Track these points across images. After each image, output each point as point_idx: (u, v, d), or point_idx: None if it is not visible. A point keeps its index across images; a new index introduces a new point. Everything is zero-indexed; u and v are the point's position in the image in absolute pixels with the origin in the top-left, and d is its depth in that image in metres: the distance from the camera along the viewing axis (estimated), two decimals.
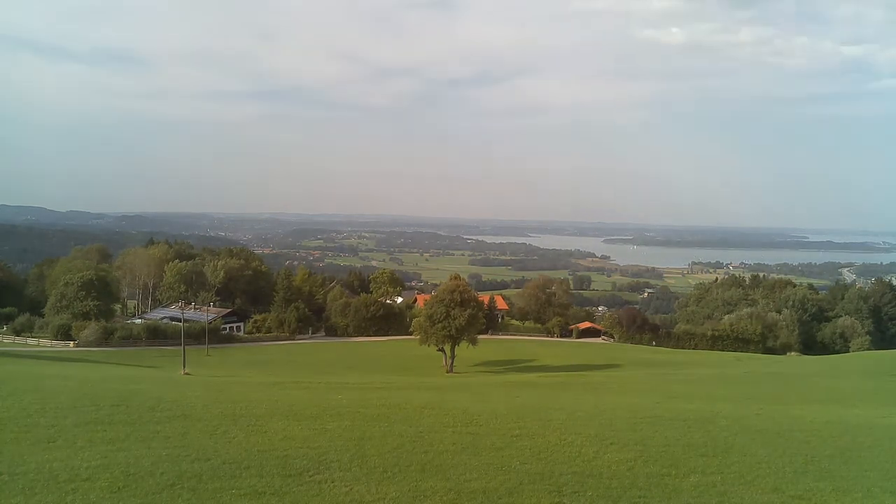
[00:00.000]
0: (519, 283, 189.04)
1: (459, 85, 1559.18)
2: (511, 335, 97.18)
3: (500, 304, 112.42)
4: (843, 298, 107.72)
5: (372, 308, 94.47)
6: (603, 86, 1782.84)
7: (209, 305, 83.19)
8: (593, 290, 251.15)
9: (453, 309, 58.49)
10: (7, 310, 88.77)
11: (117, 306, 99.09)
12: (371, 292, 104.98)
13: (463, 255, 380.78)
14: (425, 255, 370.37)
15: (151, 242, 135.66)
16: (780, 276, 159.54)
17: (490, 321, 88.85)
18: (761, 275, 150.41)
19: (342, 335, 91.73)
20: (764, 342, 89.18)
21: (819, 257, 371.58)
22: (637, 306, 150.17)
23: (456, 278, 70.65)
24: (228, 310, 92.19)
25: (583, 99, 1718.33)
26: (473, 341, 61.21)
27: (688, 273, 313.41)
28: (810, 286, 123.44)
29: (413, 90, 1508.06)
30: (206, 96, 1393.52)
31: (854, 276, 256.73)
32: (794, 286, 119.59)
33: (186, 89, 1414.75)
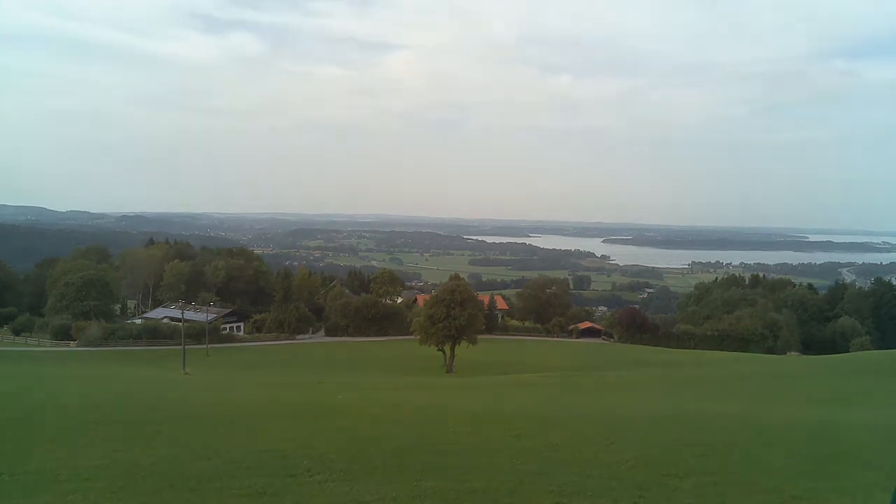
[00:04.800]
0: (519, 283, 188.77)
1: (454, 113, 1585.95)
2: (511, 335, 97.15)
3: (500, 304, 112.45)
4: (843, 298, 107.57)
5: (372, 308, 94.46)
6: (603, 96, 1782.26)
7: (209, 305, 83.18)
8: (593, 290, 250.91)
9: (453, 309, 58.42)
10: (7, 310, 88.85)
11: (117, 306, 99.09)
12: (371, 292, 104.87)
13: (463, 255, 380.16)
14: (425, 255, 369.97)
15: (151, 242, 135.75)
16: (780, 276, 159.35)
17: (490, 321, 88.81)
18: (761, 275, 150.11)
19: (342, 335, 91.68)
20: (764, 342, 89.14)
21: (819, 257, 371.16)
22: (637, 306, 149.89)
23: (456, 278, 70.71)
24: (228, 310, 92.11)
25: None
26: (473, 341, 61.15)
27: (688, 273, 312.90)
28: (810, 286, 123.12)
29: (409, 120, 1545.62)
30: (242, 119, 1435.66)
31: (854, 276, 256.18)
32: (794, 286, 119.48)
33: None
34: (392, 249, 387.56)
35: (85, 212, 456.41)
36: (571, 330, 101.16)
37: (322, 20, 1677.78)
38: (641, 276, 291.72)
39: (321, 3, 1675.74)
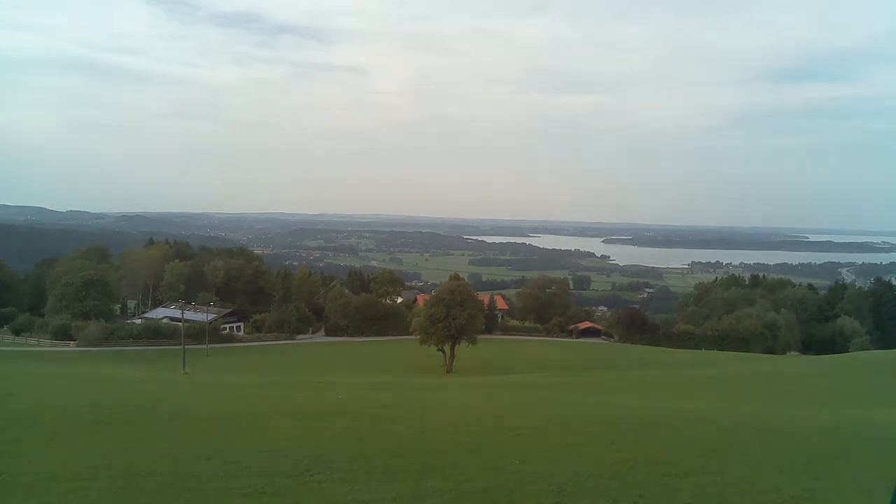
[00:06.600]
0: (519, 283, 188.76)
1: (452, 121, 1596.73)
2: (511, 335, 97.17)
3: (500, 304, 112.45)
4: (842, 298, 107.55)
5: (372, 308, 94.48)
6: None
7: (209, 305, 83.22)
8: (593, 290, 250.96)
9: (453, 309, 58.40)
10: (7, 310, 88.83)
11: (117, 306, 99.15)
12: (371, 292, 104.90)
13: (463, 255, 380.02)
14: (425, 255, 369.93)
15: (151, 242, 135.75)
16: (779, 276, 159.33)
17: (490, 321, 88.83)
18: (761, 275, 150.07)
19: (342, 335, 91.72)
20: (764, 342, 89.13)
21: (819, 257, 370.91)
22: (637, 306, 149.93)
23: (456, 278, 70.62)
24: (228, 310, 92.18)
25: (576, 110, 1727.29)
26: (473, 341, 61.13)
27: (688, 273, 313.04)
28: (810, 286, 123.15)
29: (407, 126, 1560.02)
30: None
31: (853, 276, 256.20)
32: (794, 286, 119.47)
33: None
34: (392, 249, 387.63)
35: (85, 212, 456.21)
36: (571, 330, 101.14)
37: (326, 55, 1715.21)
38: (641, 276, 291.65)
39: (326, 42, 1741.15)
